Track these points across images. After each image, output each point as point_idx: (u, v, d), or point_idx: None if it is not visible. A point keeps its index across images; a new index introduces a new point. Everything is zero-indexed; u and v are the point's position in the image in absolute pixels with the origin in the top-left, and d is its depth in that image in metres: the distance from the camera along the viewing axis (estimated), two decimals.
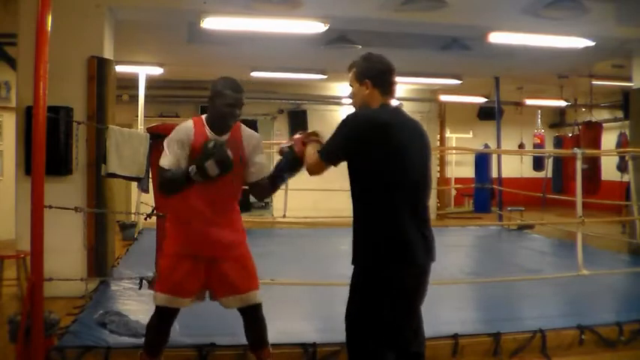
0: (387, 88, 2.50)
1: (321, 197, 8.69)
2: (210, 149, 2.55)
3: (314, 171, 2.53)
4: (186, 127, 2.78)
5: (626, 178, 8.44)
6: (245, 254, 2.94)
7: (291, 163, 2.69)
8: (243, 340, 3.44)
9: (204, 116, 2.85)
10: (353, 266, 2.47)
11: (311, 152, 2.53)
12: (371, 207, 2.39)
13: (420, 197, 2.44)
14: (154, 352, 2.93)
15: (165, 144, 2.79)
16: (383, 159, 2.34)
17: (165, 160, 2.74)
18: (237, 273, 2.86)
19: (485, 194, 11.40)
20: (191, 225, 2.79)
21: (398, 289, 2.37)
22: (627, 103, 8.24)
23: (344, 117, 2.44)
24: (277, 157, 2.91)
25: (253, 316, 2.93)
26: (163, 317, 2.86)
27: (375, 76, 2.48)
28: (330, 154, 2.45)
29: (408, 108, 5.20)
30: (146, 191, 4.11)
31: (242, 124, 2.88)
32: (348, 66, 2.57)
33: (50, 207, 3.28)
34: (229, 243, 2.86)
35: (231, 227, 2.89)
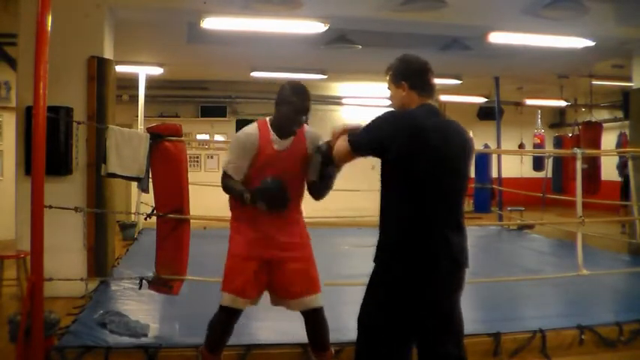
0: (425, 89, 2.42)
1: None
2: (265, 189, 2.72)
3: (340, 159, 2.51)
4: (251, 133, 2.86)
5: None
6: (308, 256, 2.97)
7: (324, 156, 2.74)
8: (243, 340, 3.46)
9: (268, 119, 2.92)
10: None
11: (340, 141, 2.49)
12: (393, 206, 2.34)
13: (451, 201, 2.37)
14: (217, 348, 2.98)
15: (230, 146, 2.93)
16: (412, 160, 2.26)
17: (227, 165, 2.87)
18: (298, 275, 2.89)
19: (485, 194, 11.40)
20: (257, 226, 2.84)
21: (402, 292, 2.32)
22: (627, 103, 8.23)
23: (381, 113, 2.40)
24: None
25: (314, 320, 2.97)
26: (229, 316, 2.90)
27: (411, 78, 2.41)
28: (358, 144, 2.40)
29: None
30: (146, 191, 4.10)
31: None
32: (385, 69, 2.51)
33: (50, 207, 3.29)
34: (293, 244, 2.91)
35: (295, 228, 2.95)
